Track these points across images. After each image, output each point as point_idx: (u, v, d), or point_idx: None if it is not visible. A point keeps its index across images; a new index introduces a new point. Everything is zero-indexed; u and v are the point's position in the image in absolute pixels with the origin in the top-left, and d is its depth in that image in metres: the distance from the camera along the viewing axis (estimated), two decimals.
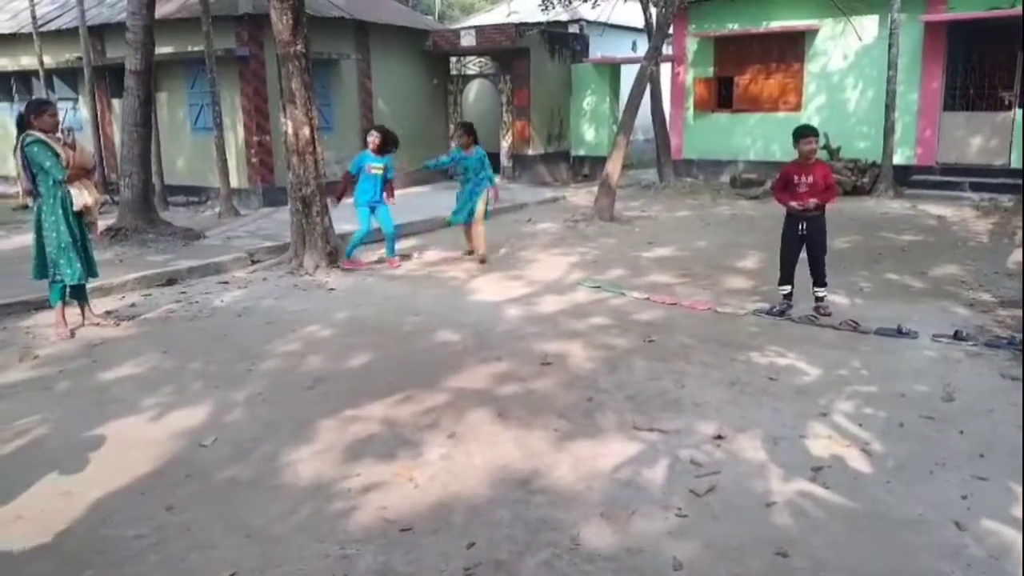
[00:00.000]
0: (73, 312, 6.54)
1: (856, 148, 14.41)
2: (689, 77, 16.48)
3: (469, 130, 8.76)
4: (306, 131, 8.42)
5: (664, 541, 3.19)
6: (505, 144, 17.29)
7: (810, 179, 6.26)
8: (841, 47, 14.75)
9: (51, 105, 6.43)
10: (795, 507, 3.41)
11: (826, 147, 14.41)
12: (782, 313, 6.34)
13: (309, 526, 3.39)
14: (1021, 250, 6.90)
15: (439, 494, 3.62)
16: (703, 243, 9.56)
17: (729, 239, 9.77)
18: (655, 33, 11.60)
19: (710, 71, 16.28)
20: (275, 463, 3.99)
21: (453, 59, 17.54)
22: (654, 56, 11.61)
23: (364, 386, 5.02)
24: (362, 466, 3.92)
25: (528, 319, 6.47)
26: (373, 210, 8.58)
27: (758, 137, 15.84)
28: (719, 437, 4.11)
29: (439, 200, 12.77)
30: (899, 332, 5.75)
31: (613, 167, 11.18)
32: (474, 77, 17.93)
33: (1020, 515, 3.27)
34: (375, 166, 8.49)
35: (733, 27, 15.82)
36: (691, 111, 16.53)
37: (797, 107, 15.43)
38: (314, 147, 8.48)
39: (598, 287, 7.46)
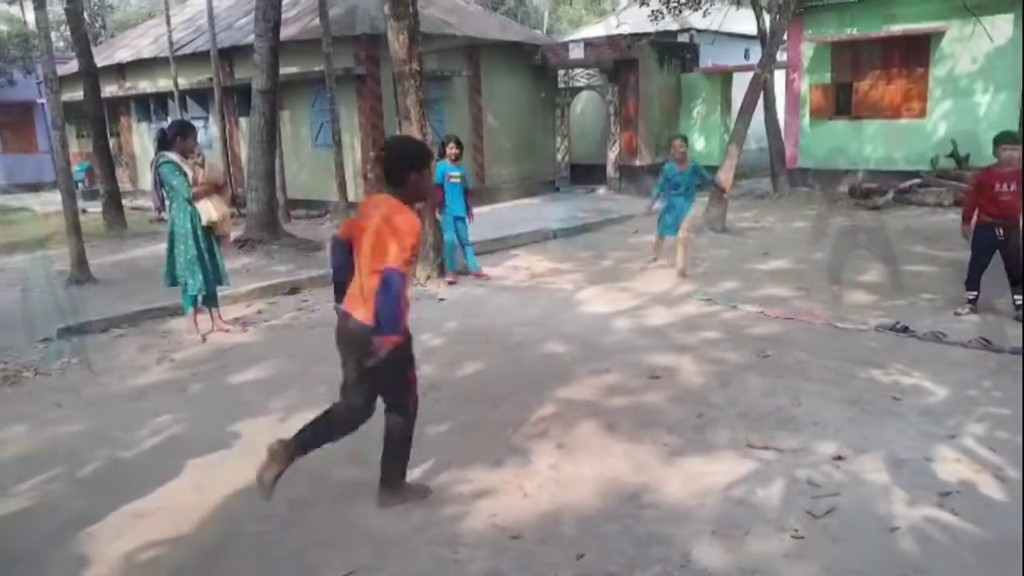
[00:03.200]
0: (204, 318, 6.97)
1: (987, 156, 13.52)
2: (805, 84, 15.95)
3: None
4: None
5: (779, 563, 3.11)
6: (612, 155, 17.24)
7: (1012, 187, 6.15)
8: (969, 50, 13.94)
9: (195, 131, 6.90)
10: (920, 533, 3.25)
11: (953, 154, 13.65)
12: (906, 329, 6.04)
13: (422, 529, 3.49)
14: None
15: (548, 504, 3.65)
16: (821, 255, 9.22)
17: (848, 251, 9.37)
18: (769, 40, 11.30)
19: (827, 77, 15.69)
20: None
21: (561, 72, 17.65)
22: (768, 63, 11.33)
23: (476, 394, 5.12)
24: (473, 472, 4.00)
25: (637, 331, 6.43)
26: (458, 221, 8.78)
27: (879, 145, 15.15)
28: (839, 458, 3.96)
29: (546, 211, 12.88)
30: None
31: (725, 176, 10.96)
32: (582, 89, 17.99)
33: None
34: (454, 175, 8.62)
35: (852, 32, 15.23)
36: (807, 119, 15.99)
37: (921, 114, 14.68)
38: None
39: (709, 300, 7.32)
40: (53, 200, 22.11)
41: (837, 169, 15.48)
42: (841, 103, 15.66)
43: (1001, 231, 6.24)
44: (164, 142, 6.67)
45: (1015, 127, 12.62)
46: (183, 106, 16.56)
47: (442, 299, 7.94)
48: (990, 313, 6.51)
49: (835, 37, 15.34)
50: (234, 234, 9.36)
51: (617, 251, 10.18)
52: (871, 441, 4.15)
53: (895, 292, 7.28)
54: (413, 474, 4.03)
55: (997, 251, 6.34)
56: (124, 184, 17.56)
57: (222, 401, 5.24)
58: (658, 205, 8.97)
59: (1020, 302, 6.24)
